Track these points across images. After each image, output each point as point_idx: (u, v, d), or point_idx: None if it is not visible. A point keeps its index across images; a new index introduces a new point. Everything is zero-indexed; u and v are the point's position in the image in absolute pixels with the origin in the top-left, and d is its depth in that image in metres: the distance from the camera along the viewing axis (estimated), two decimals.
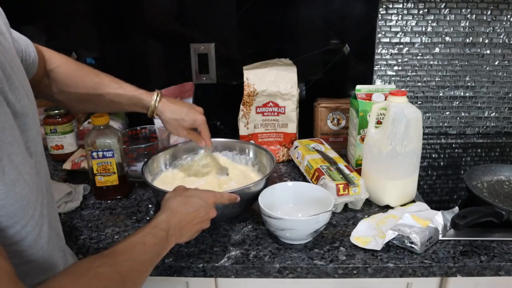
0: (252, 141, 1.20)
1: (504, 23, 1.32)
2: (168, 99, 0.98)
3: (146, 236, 0.65)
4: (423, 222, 0.85)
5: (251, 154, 1.11)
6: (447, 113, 1.43)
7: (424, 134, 1.21)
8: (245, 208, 0.95)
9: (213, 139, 1.12)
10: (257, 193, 0.90)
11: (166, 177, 1.06)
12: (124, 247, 0.61)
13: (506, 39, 1.34)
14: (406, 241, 0.82)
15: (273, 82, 1.17)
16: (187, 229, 0.74)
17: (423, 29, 1.33)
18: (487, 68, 1.38)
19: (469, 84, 1.40)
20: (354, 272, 0.80)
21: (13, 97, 0.53)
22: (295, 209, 0.93)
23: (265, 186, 0.93)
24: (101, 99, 0.92)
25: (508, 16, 1.32)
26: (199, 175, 1.07)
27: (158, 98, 0.95)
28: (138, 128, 1.22)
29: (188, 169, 1.09)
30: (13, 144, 0.49)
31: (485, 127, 1.45)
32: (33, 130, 0.57)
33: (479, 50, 1.36)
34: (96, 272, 0.53)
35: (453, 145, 1.39)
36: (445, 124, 1.44)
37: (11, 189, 0.47)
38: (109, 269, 0.55)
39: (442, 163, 1.27)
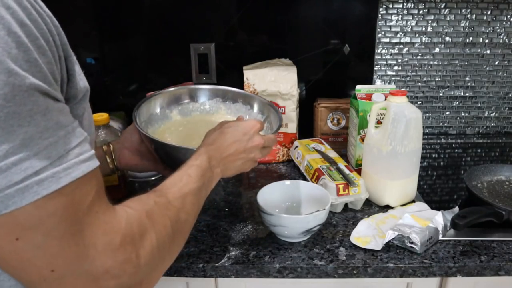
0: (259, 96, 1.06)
1: (504, 23, 1.32)
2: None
3: (189, 169, 0.65)
4: (423, 222, 0.85)
5: (256, 109, 1.01)
6: (447, 113, 1.43)
7: (424, 134, 1.21)
8: None
9: (210, 86, 1.03)
10: None
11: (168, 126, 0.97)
12: (171, 182, 0.61)
13: (506, 39, 1.34)
14: (406, 241, 0.82)
15: (273, 82, 1.17)
16: (230, 160, 0.73)
17: (423, 29, 1.33)
18: (487, 68, 1.38)
19: (469, 84, 1.40)
20: (354, 272, 0.80)
21: None
22: (296, 208, 0.93)
23: None
24: None
25: (508, 16, 1.32)
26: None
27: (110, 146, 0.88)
28: None
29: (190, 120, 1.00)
30: None
31: (485, 127, 1.45)
32: None
33: (479, 50, 1.36)
34: (155, 201, 0.55)
35: (453, 145, 1.39)
36: (445, 124, 1.44)
37: None
38: (165, 200, 0.57)
39: (442, 163, 1.27)
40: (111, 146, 0.89)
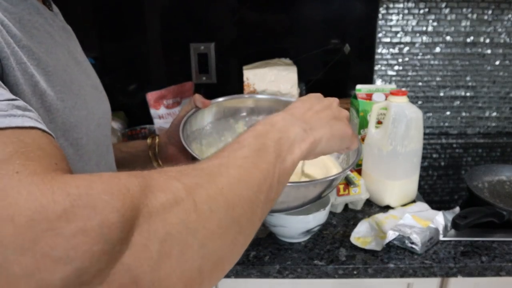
0: None
1: (505, 22, 1.32)
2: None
3: (237, 138, 0.46)
4: (423, 222, 0.84)
5: None
6: (448, 113, 1.43)
7: (424, 134, 1.21)
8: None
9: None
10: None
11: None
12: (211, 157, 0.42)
13: (507, 39, 1.34)
14: (406, 241, 0.82)
15: (273, 82, 1.17)
16: (311, 116, 0.54)
17: (424, 28, 1.33)
18: (488, 67, 1.37)
19: (470, 84, 1.39)
20: (355, 272, 0.79)
21: None
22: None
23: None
24: None
25: (509, 16, 1.31)
26: None
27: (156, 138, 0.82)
28: (137, 128, 1.22)
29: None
30: None
31: (486, 127, 1.45)
32: None
33: (480, 50, 1.35)
34: (159, 170, 0.36)
35: (454, 145, 1.38)
36: (446, 124, 1.44)
37: None
38: (182, 168, 0.38)
39: (443, 163, 1.27)
40: (157, 139, 0.81)
